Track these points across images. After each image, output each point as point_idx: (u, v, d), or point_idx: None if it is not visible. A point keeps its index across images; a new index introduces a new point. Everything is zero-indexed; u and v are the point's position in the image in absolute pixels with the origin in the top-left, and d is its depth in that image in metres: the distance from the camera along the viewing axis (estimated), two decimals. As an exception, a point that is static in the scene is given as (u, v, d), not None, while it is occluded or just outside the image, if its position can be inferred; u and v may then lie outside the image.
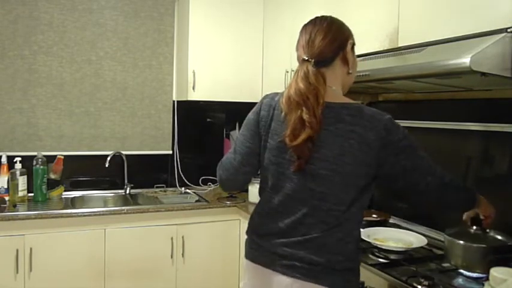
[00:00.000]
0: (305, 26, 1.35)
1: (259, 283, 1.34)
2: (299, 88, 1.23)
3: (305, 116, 1.20)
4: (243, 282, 1.43)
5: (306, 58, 1.27)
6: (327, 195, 1.23)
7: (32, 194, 2.64)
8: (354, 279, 1.29)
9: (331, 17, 1.35)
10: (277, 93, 1.38)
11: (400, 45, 1.74)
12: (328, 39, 1.28)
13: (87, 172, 2.96)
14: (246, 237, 1.43)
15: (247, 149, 1.37)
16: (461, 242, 1.51)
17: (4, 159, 2.61)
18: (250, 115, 1.40)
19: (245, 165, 1.39)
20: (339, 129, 1.22)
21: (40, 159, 2.66)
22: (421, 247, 1.78)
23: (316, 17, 1.35)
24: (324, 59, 1.27)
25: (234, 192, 2.92)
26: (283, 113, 1.27)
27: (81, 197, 2.85)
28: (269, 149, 1.32)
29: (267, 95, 1.42)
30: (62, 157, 2.81)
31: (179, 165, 3.18)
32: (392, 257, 1.70)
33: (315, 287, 1.22)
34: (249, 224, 1.42)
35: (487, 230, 1.55)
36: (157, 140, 3.15)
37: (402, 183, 1.28)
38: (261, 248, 1.33)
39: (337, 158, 1.22)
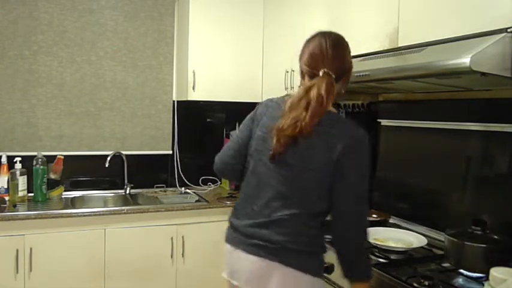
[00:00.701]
0: (324, 36, 1.40)
1: (232, 263, 1.43)
2: (319, 95, 1.30)
3: (305, 121, 1.29)
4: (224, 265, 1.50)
5: (329, 72, 1.33)
6: (293, 183, 1.34)
7: (32, 194, 2.64)
8: (311, 262, 1.34)
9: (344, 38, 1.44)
10: (274, 98, 1.50)
11: (400, 45, 1.74)
12: (348, 58, 1.41)
13: (87, 172, 2.96)
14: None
15: (240, 140, 1.52)
16: (461, 242, 1.51)
17: (4, 159, 2.61)
18: (250, 114, 1.54)
19: (236, 156, 1.53)
20: (318, 131, 1.32)
21: (40, 159, 2.66)
22: (421, 247, 1.78)
23: (336, 34, 1.42)
24: (339, 75, 1.36)
25: (235, 192, 2.93)
26: (283, 110, 1.36)
27: (81, 197, 2.85)
28: (255, 138, 1.45)
29: (268, 99, 1.54)
30: (62, 157, 2.81)
31: (179, 165, 3.18)
32: (392, 257, 1.70)
33: (273, 264, 1.31)
34: (232, 209, 1.53)
35: (487, 231, 1.55)
36: (157, 140, 3.15)
37: (335, 190, 1.33)
38: (236, 231, 1.43)
39: (308, 153, 1.33)
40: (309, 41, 1.41)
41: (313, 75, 1.35)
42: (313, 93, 1.30)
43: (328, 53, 1.35)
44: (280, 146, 1.32)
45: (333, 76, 1.33)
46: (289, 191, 1.35)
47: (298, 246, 1.32)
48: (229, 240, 1.46)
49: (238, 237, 1.41)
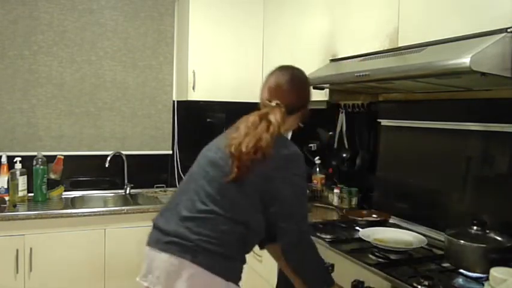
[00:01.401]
0: (282, 71, 1.49)
1: (147, 264, 1.40)
2: (277, 121, 1.37)
3: (267, 144, 1.32)
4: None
5: (281, 105, 1.41)
6: (221, 186, 1.33)
7: (32, 194, 2.64)
8: (225, 265, 1.32)
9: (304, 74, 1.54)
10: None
11: (400, 45, 1.74)
12: (304, 94, 1.50)
13: (87, 172, 2.97)
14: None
15: None
16: (461, 242, 1.51)
17: (4, 159, 2.61)
18: None
19: None
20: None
21: (40, 159, 2.66)
22: (421, 247, 1.78)
23: (295, 69, 1.52)
24: (293, 109, 1.45)
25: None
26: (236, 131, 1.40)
27: (81, 197, 2.85)
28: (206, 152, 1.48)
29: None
30: (62, 157, 2.81)
31: (179, 165, 3.18)
32: (392, 257, 1.70)
33: (184, 262, 1.28)
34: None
35: (487, 231, 1.55)
36: (157, 140, 3.15)
37: (273, 210, 1.34)
38: (156, 229, 1.41)
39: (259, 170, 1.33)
40: (269, 76, 1.50)
41: (267, 106, 1.44)
42: (273, 118, 1.37)
43: (284, 88, 1.45)
44: (241, 172, 1.31)
45: (283, 109, 1.41)
46: (213, 190, 1.34)
47: (213, 247, 1.29)
48: (148, 241, 1.43)
49: (157, 235, 1.38)
